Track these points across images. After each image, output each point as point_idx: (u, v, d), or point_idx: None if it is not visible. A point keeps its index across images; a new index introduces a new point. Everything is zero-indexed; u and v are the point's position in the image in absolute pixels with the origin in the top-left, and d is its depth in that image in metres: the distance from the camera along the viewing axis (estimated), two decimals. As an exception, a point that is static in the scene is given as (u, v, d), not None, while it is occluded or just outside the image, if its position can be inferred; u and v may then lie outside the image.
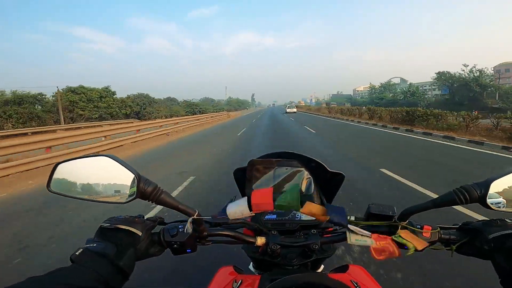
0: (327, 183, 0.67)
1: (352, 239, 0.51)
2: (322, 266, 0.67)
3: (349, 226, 0.51)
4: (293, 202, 0.51)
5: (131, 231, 0.47)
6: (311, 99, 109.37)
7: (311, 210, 0.52)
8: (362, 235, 0.50)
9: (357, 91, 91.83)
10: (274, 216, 0.64)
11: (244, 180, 0.69)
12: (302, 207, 0.52)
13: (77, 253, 0.40)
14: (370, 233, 0.50)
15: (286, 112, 33.53)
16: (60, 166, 0.48)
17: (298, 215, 0.64)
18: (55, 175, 0.48)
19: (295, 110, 34.67)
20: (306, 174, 0.67)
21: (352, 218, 0.54)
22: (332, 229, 0.61)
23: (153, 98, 37.01)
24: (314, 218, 0.62)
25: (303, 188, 0.66)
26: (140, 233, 0.47)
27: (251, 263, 0.70)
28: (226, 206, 0.55)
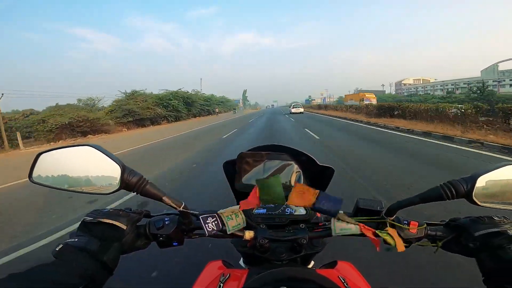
0: (317, 177, 0.67)
1: (337, 229, 0.51)
2: (313, 262, 0.66)
3: (338, 215, 0.51)
4: (277, 197, 0.50)
5: (115, 224, 0.46)
6: (324, 98, 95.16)
7: (298, 197, 0.50)
8: (348, 222, 0.50)
9: (404, 84, 77.39)
10: (264, 211, 0.64)
11: (233, 173, 0.68)
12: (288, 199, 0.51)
13: (57, 249, 0.39)
14: (357, 223, 0.50)
15: (291, 113, 28.54)
16: (42, 156, 0.47)
17: (288, 210, 0.63)
18: (37, 166, 0.46)
19: (301, 110, 29.95)
20: (295, 167, 0.66)
21: (341, 212, 0.54)
22: (322, 224, 0.61)
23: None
24: (304, 213, 0.62)
25: (292, 182, 0.66)
26: (124, 227, 0.47)
27: (242, 258, 0.70)
28: None
